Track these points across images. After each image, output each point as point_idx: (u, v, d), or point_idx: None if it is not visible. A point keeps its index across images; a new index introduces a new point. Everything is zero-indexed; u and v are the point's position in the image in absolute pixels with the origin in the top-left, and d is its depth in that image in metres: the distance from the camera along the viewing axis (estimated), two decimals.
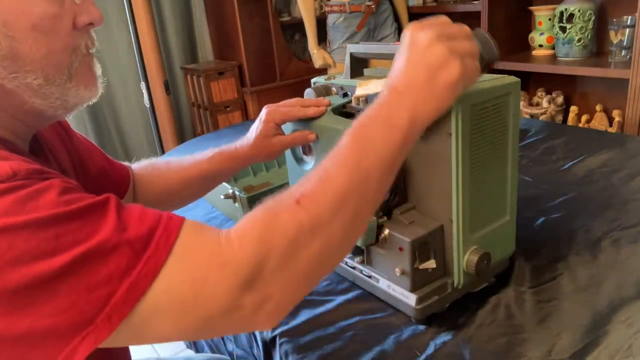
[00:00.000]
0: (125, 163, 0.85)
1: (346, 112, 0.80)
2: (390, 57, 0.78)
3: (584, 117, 2.03)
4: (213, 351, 1.09)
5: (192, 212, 1.24)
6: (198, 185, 0.85)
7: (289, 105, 0.82)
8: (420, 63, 0.52)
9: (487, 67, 0.63)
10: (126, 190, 0.82)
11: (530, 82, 2.29)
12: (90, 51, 0.57)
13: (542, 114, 2.09)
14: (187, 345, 1.24)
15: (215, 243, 0.47)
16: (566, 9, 1.90)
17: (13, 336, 0.42)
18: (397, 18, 2.48)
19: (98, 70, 0.58)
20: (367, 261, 0.83)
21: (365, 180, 0.50)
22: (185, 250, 0.46)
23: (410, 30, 0.55)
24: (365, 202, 0.51)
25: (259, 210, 0.49)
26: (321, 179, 0.49)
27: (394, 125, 0.51)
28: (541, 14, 2.05)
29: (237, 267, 0.45)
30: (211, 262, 0.45)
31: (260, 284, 0.46)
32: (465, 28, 0.56)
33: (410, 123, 0.52)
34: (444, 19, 0.55)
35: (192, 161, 0.85)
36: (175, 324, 0.46)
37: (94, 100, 0.58)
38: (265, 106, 0.84)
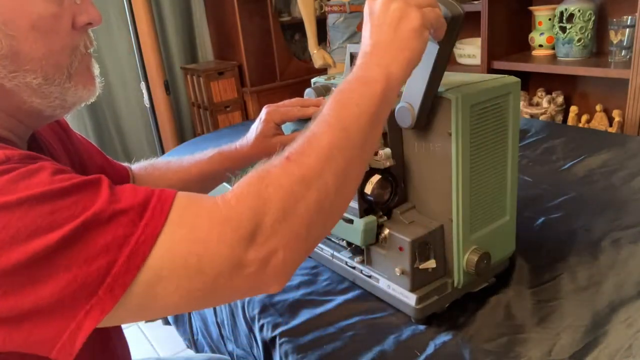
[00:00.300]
0: (125, 164, 0.85)
1: None
2: None
3: (584, 117, 2.03)
4: (213, 351, 1.09)
5: None
6: (198, 184, 0.85)
7: (289, 105, 0.83)
8: (382, 23, 0.56)
9: (457, 25, 0.62)
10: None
11: (530, 82, 2.29)
12: (89, 51, 0.57)
13: (542, 114, 2.09)
14: (187, 345, 1.24)
15: (212, 204, 0.47)
16: (566, 9, 1.90)
17: (16, 317, 0.42)
18: None
19: (96, 70, 0.58)
20: (367, 261, 0.83)
21: (349, 133, 0.51)
22: (183, 214, 0.46)
23: (368, 2, 0.58)
24: (352, 154, 0.52)
25: (252, 172, 0.50)
26: (307, 137, 0.51)
27: (369, 81, 0.54)
28: (541, 14, 2.05)
29: (237, 222, 0.45)
30: (211, 221, 0.45)
31: (262, 238, 0.46)
32: None
33: (385, 76, 0.54)
34: None
35: (192, 161, 0.86)
36: (180, 290, 0.45)
37: (92, 100, 0.58)
38: (265, 106, 0.84)
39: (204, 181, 0.86)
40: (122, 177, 0.82)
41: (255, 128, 0.83)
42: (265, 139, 0.82)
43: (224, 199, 0.47)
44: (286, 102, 0.84)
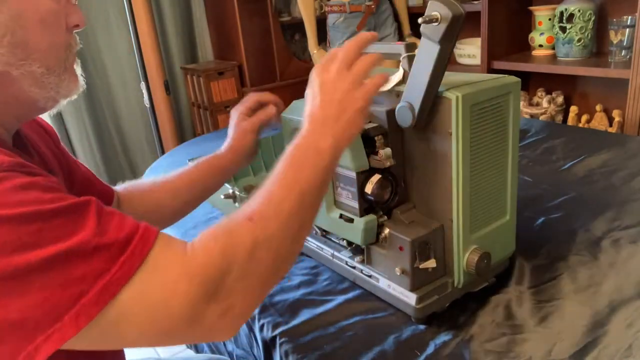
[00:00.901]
0: (113, 187, 0.86)
1: None
2: (390, 57, 0.78)
3: (584, 117, 2.03)
4: (213, 351, 1.09)
5: (192, 212, 1.23)
6: (186, 193, 0.87)
7: (250, 106, 0.91)
8: (332, 100, 0.62)
9: (457, 25, 0.63)
10: (110, 204, 0.82)
11: (530, 82, 2.29)
12: (74, 51, 0.61)
13: (542, 114, 2.09)
14: (187, 346, 1.24)
15: (182, 255, 0.49)
16: (566, 9, 1.90)
17: None
18: (397, 18, 2.48)
19: (78, 69, 0.63)
20: (368, 261, 0.83)
21: (303, 199, 0.56)
22: (158, 259, 0.48)
23: (316, 73, 0.65)
24: (305, 218, 0.57)
25: (216, 227, 0.53)
26: (267, 199, 0.55)
27: (320, 151, 0.59)
28: (541, 14, 2.05)
29: (203, 278, 0.48)
30: (180, 273, 0.48)
31: (223, 295, 0.49)
32: (372, 59, 0.65)
33: (334, 149, 0.60)
34: (342, 49, 0.66)
35: (179, 172, 0.88)
36: (141, 331, 0.47)
37: (74, 96, 0.63)
38: (233, 110, 0.91)
39: (193, 189, 0.87)
40: (106, 192, 0.82)
41: (229, 133, 0.89)
42: (241, 132, 0.88)
43: (193, 252, 0.50)
44: (247, 104, 0.90)
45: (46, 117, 2.48)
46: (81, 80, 0.63)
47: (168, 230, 1.19)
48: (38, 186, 0.46)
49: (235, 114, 0.90)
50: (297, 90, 2.85)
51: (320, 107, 0.62)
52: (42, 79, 0.56)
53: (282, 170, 0.58)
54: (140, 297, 0.46)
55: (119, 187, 0.87)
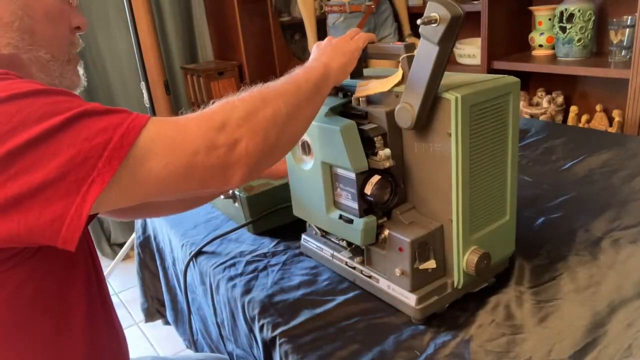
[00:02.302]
0: None
1: (346, 112, 0.80)
2: (390, 57, 0.78)
3: (584, 117, 2.03)
4: (213, 351, 1.09)
5: (192, 212, 1.24)
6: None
7: None
8: (327, 45, 0.79)
9: (457, 25, 0.63)
10: None
11: (530, 82, 2.29)
12: (77, 52, 0.69)
13: (542, 114, 2.09)
14: (187, 346, 1.24)
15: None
16: (566, 9, 1.90)
17: (28, 194, 0.48)
18: (397, 18, 2.48)
19: (81, 70, 0.70)
20: (367, 261, 0.83)
21: (298, 87, 0.67)
22: (161, 119, 0.57)
23: (328, 40, 0.81)
24: (299, 100, 0.66)
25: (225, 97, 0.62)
26: (266, 85, 0.66)
27: (312, 69, 0.71)
28: (541, 14, 2.05)
29: (210, 115, 0.58)
30: (187, 116, 0.58)
31: (230, 128, 0.57)
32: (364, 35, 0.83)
33: (324, 66, 0.73)
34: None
35: None
36: (166, 163, 0.54)
37: (75, 90, 0.68)
38: None
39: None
40: None
41: None
42: None
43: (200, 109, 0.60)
44: None
45: None
46: (82, 80, 0.69)
47: (169, 230, 1.19)
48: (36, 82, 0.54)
49: None
50: None
51: (318, 50, 0.78)
52: (47, 65, 0.63)
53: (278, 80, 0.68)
54: (159, 133, 0.54)
55: None
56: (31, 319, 0.58)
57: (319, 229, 0.92)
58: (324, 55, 0.76)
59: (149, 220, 1.34)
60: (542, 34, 2.07)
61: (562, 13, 1.91)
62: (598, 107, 2.02)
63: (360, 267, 0.84)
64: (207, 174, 0.57)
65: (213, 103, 0.61)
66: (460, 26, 0.63)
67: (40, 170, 0.48)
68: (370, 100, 0.78)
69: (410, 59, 0.71)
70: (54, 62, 0.64)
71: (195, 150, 0.55)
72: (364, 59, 0.87)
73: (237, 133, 0.58)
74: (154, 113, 2.28)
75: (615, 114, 1.93)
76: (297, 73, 0.70)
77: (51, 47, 0.63)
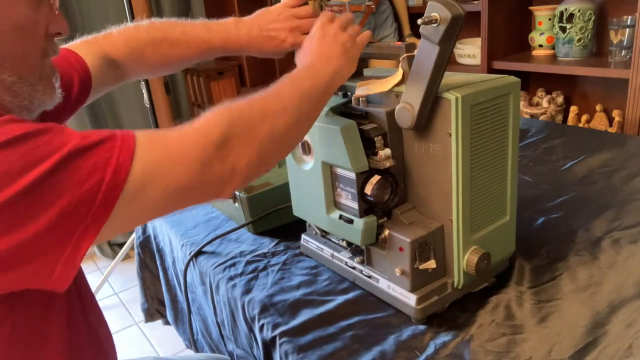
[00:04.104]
0: (75, 50, 0.82)
1: (346, 112, 0.80)
2: (390, 57, 0.78)
3: (584, 117, 2.03)
4: (213, 351, 1.09)
5: (192, 212, 1.24)
6: (191, 61, 0.91)
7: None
8: (334, 42, 0.75)
9: (457, 25, 0.63)
10: (90, 81, 0.81)
11: (530, 82, 2.29)
12: (51, 58, 0.61)
13: (542, 114, 2.09)
14: (187, 346, 1.24)
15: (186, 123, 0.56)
16: (566, 9, 1.90)
17: (18, 247, 0.45)
18: (397, 18, 2.48)
19: (56, 81, 0.62)
20: (367, 261, 0.83)
21: (301, 99, 0.65)
22: (151, 134, 0.54)
23: (322, 22, 0.77)
24: (301, 113, 0.65)
25: (218, 106, 0.59)
26: (271, 90, 0.64)
27: (320, 75, 0.70)
28: (541, 14, 2.05)
29: (205, 131, 0.55)
30: (183, 131, 0.55)
31: (225, 147, 0.56)
32: (350, 19, 0.79)
33: (333, 76, 0.71)
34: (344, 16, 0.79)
35: (186, 40, 0.89)
36: (162, 189, 0.52)
37: (50, 107, 0.62)
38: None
39: (203, 57, 0.91)
40: (83, 78, 0.80)
41: (279, 38, 0.86)
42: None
43: (198, 119, 0.57)
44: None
45: None
46: (58, 94, 0.62)
47: (169, 230, 1.19)
48: (13, 120, 0.49)
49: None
50: None
51: (324, 44, 0.74)
52: (13, 88, 0.56)
53: (282, 81, 0.66)
54: (150, 160, 0.51)
55: (113, 41, 0.85)
56: (8, 353, 0.56)
57: (319, 229, 0.92)
58: (335, 58, 0.73)
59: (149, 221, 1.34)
60: (542, 34, 2.07)
61: (562, 13, 1.91)
62: (598, 107, 2.02)
63: (360, 267, 0.84)
64: (203, 190, 0.56)
65: (210, 109, 0.59)
66: (460, 26, 0.63)
67: (31, 225, 0.45)
68: (370, 100, 0.78)
69: (410, 59, 0.71)
70: (21, 84, 0.56)
71: (192, 172, 0.53)
72: (364, 58, 0.87)
73: (233, 152, 0.56)
74: (154, 113, 2.28)
75: (615, 114, 1.93)
76: (304, 77, 0.68)
77: (18, 68, 0.55)
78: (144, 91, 2.24)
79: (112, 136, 0.51)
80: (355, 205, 0.76)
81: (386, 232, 0.77)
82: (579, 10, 1.87)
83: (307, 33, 0.83)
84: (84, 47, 0.83)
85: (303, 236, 0.98)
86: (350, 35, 0.76)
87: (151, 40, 0.87)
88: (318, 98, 0.68)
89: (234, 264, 0.99)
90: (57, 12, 0.59)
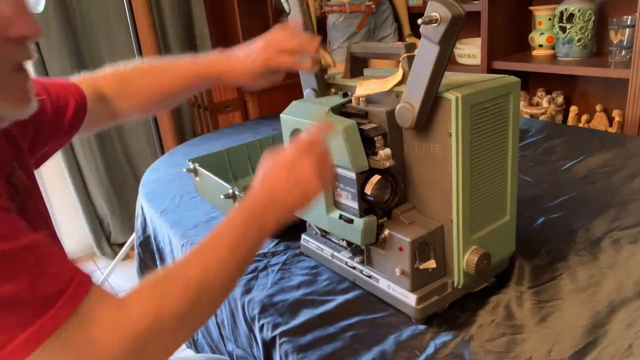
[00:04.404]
0: (72, 80, 0.81)
1: (346, 112, 0.80)
2: (390, 57, 0.78)
3: (584, 117, 2.03)
4: (213, 351, 1.09)
5: (192, 213, 1.24)
6: (180, 95, 0.88)
7: (293, 49, 0.87)
8: (298, 183, 0.65)
9: (457, 25, 0.63)
10: (84, 115, 0.80)
11: (530, 82, 2.29)
12: (24, 66, 0.54)
13: (542, 114, 2.09)
14: (187, 346, 1.24)
15: (115, 308, 0.51)
16: (566, 9, 1.90)
17: None
18: (397, 18, 2.48)
19: (31, 88, 0.55)
20: (367, 261, 0.83)
21: (237, 268, 0.61)
22: (88, 312, 0.48)
23: (297, 151, 0.67)
24: (230, 285, 0.61)
25: (149, 284, 0.54)
26: (205, 269, 0.57)
27: (264, 231, 0.63)
28: (541, 14, 2.05)
29: (130, 329, 0.50)
30: (111, 328, 0.49)
31: (150, 350, 0.51)
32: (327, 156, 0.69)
33: (275, 227, 0.64)
34: (318, 140, 0.69)
35: (176, 71, 0.87)
36: None
37: (23, 117, 0.56)
38: (265, 42, 0.87)
39: (190, 91, 0.88)
40: (78, 108, 0.79)
41: (252, 56, 0.86)
42: (260, 76, 0.86)
43: (125, 306, 0.51)
44: (289, 44, 0.87)
45: None
46: (34, 104, 0.55)
47: (169, 230, 1.19)
48: None
49: (270, 57, 0.86)
50: (297, 90, 2.84)
51: (285, 180, 0.65)
52: None
53: (225, 243, 0.60)
54: (68, 346, 0.47)
55: (103, 76, 0.84)
56: None
57: (319, 229, 0.92)
58: (288, 209, 0.65)
59: (149, 221, 1.34)
60: (542, 34, 2.07)
61: (562, 13, 1.91)
62: (598, 107, 2.02)
63: (360, 267, 0.84)
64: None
65: (141, 285, 0.54)
66: (460, 26, 0.63)
67: None
68: (370, 100, 0.78)
69: (410, 59, 0.71)
70: None
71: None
72: (364, 58, 0.87)
73: (156, 354, 0.53)
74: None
75: (615, 114, 1.93)
76: (245, 237, 0.61)
77: None
78: None
79: (59, 293, 0.47)
80: (355, 205, 0.76)
81: (386, 232, 0.77)
82: (579, 10, 1.87)
83: (283, 50, 0.84)
84: (82, 80, 0.84)
85: (303, 236, 0.98)
86: (318, 182, 0.66)
87: (138, 72, 0.88)
88: (251, 259, 0.64)
89: None
90: (26, 14, 0.51)
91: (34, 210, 0.64)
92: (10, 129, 0.65)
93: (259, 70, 0.87)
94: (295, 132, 0.84)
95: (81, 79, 0.84)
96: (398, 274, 0.75)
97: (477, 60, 2.23)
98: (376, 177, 0.75)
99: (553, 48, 2.08)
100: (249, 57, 0.87)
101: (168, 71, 0.87)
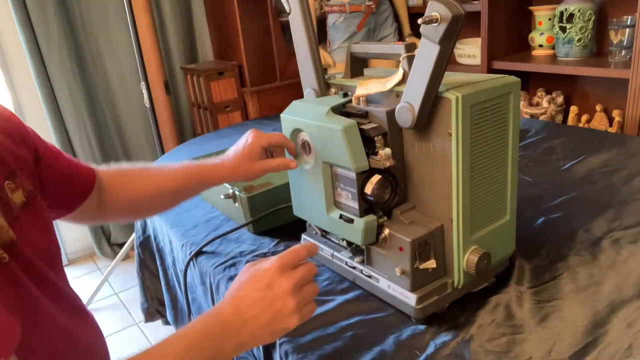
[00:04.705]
0: (93, 165, 0.82)
1: (346, 112, 0.80)
2: (390, 57, 0.78)
3: (584, 117, 2.03)
4: None
5: (192, 213, 1.24)
6: (170, 197, 0.86)
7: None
8: (269, 307, 0.59)
9: (457, 25, 0.63)
10: (90, 191, 0.79)
11: (530, 82, 2.29)
12: None
13: (542, 114, 2.09)
14: None
15: None
16: (566, 9, 1.90)
17: None
18: (397, 18, 2.48)
19: None
20: (367, 261, 0.83)
21: None
22: None
23: (273, 271, 0.60)
24: None
25: None
26: None
27: (223, 355, 0.58)
28: (541, 14, 2.05)
29: None
30: None
31: None
32: (313, 269, 0.63)
33: (236, 351, 0.59)
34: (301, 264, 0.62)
35: (167, 172, 0.85)
36: None
37: None
38: (252, 130, 0.86)
39: (177, 194, 0.86)
40: (87, 181, 0.79)
41: (240, 149, 0.84)
42: (249, 161, 0.84)
43: None
44: (273, 134, 0.86)
45: (44, 118, 2.48)
46: None
47: (169, 230, 1.19)
48: None
49: (255, 138, 0.84)
50: (297, 90, 2.84)
51: (257, 302, 0.59)
52: None
53: (189, 342, 0.56)
54: None
55: (105, 171, 0.84)
56: None
57: (319, 228, 0.92)
58: (254, 329, 0.59)
59: (149, 220, 1.34)
60: (542, 34, 2.07)
61: (562, 13, 1.91)
62: (598, 107, 2.02)
63: (360, 267, 0.84)
64: None
65: None
66: (461, 26, 0.63)
67: None
68: (370, 100, 0.78)
69: (410, 59, 0.71)
70: None
71: None
72: (364, 58, 0.87)
73: None
74: (154, 113, 2.28)
75: (615, 114, 1.93)
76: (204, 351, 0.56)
77: None
78: (144, 91, 2.24)
79: None
80: (355, 204, 0.76)
81: (386, 231, 0.77)
82: (579, 10, 1.87)
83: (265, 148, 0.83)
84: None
85: (303, 236, 0.98)
86: (296, 304, 0.60)
87: (132, 168, 0.88)
88: None
89: (234, 264, 0.99)
90: None
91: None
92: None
93: (249, 157, 0.85)
94: (295, 132, 0.84)
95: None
96: (398, 274, 0.75)
97: (477, 60, 2.23)
98: (376, 177, 0.75)
99: (553, 48, 2.08)
100: (232, 155, 0.86)
101: (158, 174, 0.86)
